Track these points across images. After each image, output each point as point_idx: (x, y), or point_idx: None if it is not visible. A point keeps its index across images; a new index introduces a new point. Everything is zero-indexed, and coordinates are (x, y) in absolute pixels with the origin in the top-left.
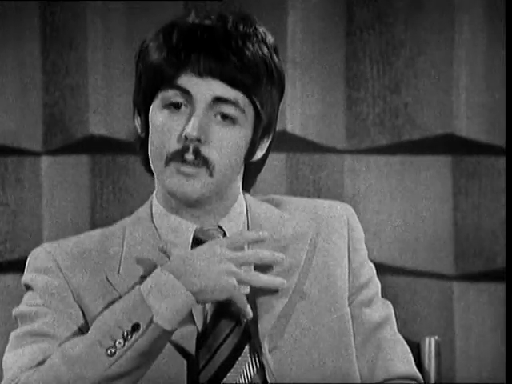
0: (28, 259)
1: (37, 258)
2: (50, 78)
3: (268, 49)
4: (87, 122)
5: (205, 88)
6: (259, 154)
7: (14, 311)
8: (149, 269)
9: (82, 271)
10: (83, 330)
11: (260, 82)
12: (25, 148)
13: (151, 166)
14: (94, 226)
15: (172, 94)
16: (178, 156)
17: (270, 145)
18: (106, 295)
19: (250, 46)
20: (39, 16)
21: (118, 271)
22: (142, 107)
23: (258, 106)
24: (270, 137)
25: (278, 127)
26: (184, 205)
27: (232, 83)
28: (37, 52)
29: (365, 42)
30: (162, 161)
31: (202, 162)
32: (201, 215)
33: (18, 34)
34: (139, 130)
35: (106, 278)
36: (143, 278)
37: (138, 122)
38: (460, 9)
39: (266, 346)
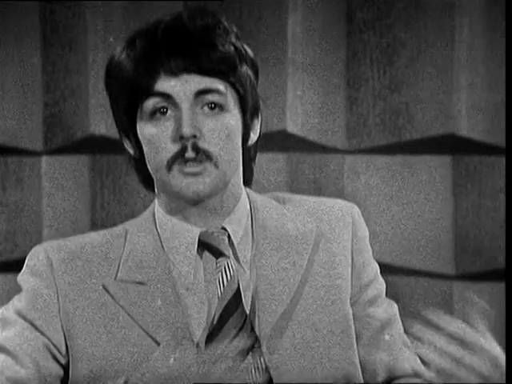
0: (27, 256)
1: (33, 258)
2: (51, 78)
3: (232, 35)
4: (87, 122)
5: (183, 85)
6: (254, 137)
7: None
8: (146, 275)
9: (77, 277)
10: (49, 347)
11: (234, 65)
12: (25, 148)
13: (154, 177)
14: (94, 225)
15: (154, 102)
16: (179, 157)
17: (260, 127)
18: (102, 302)
19: (213, 34)
20: (39, 16)
21: (116, 276)
22: (128, 128)
23: (239, 88)
24: (260, 117)
25: (278, 127)
26: (189, 204)
27: (207, 73)
28: (37, 52)
29: (365, 42)
30: (164, 168)
31: (205, 156)
32: (205, 215)
33: (18, 34)
34: (131, 152)
35: (103, 285)
36: (140, 284)
37: (128, 145)
38: (460, 9)
39: (266, 347)
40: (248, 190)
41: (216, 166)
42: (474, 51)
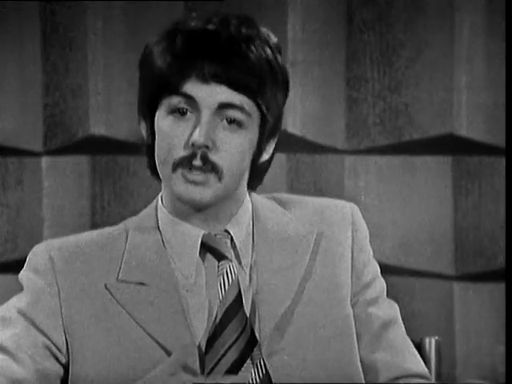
0: (29, 255)
1: (35, 256)
2: (51, 79)
3: (271, 50)
4: (87, 123)
5: (210, 94)
6: (265, 157)
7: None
8: (148, 276)
9: (79, 277)
10: (49, 346)
11: (265, 84)
12: (25, 148)
13: (158, 171)
14: (94, 226)
15: (177, 101)
16: (186, 162)
17: (275, 146)
18: (103, 302)
19: (254, 48)
20: (39, 16)
21: (117, 276)
22: (147, 114)
23: (264, 109)
24: (276, 138)
25: None
26: (191, 209)
27: (237, 88)
28: (37, 52)
29: (365, 42)
30: (169, 167)
31: (211, 167)
32: (208, 218)
33: (19, 35)
34: (145, 137)
35: (105, 285)
36: (141, 284)
37: (143, 128)
38: (460, 9)
39: (266, 349)
40: (250, 192)
41: (219, 180)
42: (474, 51)
